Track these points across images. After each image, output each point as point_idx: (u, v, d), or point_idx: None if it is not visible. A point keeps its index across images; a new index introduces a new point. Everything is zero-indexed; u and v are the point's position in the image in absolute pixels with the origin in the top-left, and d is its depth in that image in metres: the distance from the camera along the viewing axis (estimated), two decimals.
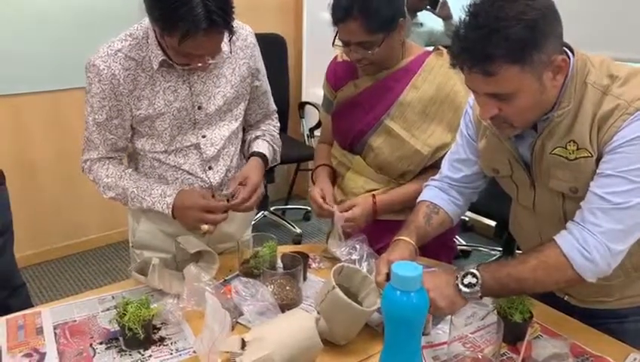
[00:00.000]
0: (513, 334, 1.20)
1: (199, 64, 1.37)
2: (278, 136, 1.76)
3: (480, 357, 1.16)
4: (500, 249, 3.30)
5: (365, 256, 1.46)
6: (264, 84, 1.67)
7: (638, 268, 1.28)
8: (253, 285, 1.33)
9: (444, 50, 1.61)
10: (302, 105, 3.93)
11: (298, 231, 3.65)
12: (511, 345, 1.22)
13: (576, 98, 1.15)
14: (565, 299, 1.40)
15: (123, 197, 1.54)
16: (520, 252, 1.40)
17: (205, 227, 1.46)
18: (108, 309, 1.37)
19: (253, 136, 1.70)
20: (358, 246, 1.48)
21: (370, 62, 1.55)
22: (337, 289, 1.17)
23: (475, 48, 1.06)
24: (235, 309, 1.33)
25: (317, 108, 3.40)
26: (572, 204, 1.22)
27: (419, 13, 3.40)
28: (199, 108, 1.51)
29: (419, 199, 1.48)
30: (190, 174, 1.55)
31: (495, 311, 1.26)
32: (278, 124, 1.80)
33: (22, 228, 2.21)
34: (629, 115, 1.09)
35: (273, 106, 1.76)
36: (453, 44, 1.11)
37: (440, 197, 1.46)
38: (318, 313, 1.22)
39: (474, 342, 1.23)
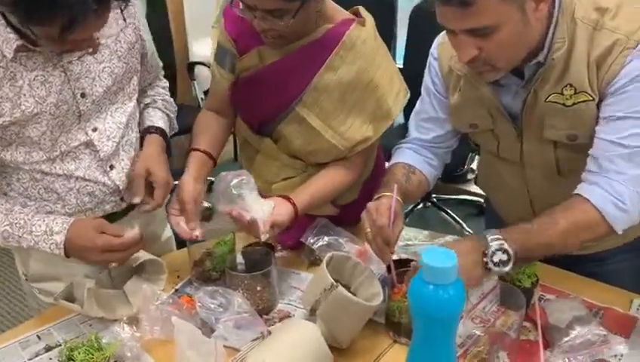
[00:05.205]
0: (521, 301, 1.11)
1: (89, 48, 1.06)
2: (169, 97, 1.45)
3: (497, 333, 1.06)
4: None
5: (338, 237, 1.30)
6: (148, 41, 1.32)
7: None
8: (222, 294, 1.11)
9: (368, 18, 1.30)
10: (191, 66, 3.54)
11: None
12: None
13: (567, 37, 1.05)
14: None
15: None
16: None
17: (113, 264, 1.18)
18: (37, 355, 1.07)
19: (142, 105, 1.38)
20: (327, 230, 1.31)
21: (279, 34, 1.22)
22: (341, 288, 0.99)
23: None
24: (204, 326, 1.10)
25: (208, 67, 3.05)
26: (566, 152, 1.14)
27: None
28: (82, 95, 1.15)
29: (391, 162, 1.32)
30: (87, 181, 1.20)
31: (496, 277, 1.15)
32: (167, 82, 1.47)
33: None
34: (631, 49, 1.01)
35: (159, 62, 1.43)
36: None
37: (413, 158, 1.31)
38: (310, 313, 1.03)
39: (482, 317, 1.13)
